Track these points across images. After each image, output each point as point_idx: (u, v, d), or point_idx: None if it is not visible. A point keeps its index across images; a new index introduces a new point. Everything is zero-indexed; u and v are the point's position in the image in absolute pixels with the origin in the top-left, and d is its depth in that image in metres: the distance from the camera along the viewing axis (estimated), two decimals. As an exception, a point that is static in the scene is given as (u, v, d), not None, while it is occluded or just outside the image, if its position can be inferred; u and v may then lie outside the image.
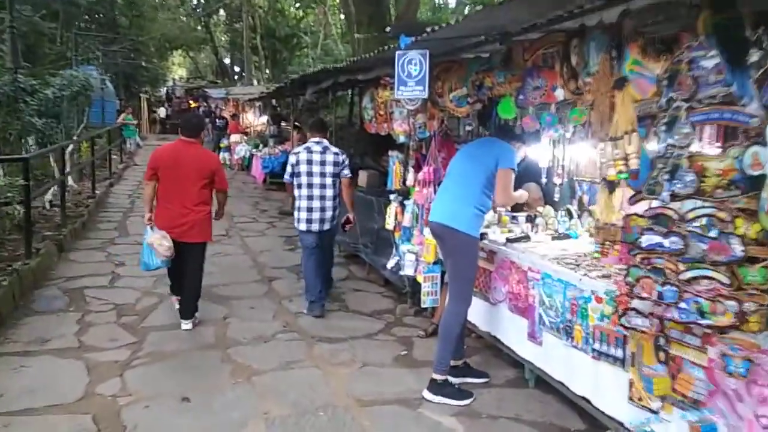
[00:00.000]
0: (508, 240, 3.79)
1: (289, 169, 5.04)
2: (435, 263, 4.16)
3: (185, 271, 4.61)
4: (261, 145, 15.39)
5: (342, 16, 27.52)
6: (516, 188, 3.68)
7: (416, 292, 4.89)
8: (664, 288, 2.28)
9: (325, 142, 5.06)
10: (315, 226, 4.95)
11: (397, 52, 3.37)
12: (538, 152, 4.12)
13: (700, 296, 2.17)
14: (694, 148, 2.27)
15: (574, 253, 3.49)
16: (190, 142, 4.53)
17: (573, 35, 2.66)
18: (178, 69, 45.95)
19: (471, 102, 3.58)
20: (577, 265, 3.23)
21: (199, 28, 34.23)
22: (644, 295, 2.36)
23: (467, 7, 20.79)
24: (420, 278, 4.26)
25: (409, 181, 4.50)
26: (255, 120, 19.80)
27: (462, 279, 3.53)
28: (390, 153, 4.78)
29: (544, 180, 4.08)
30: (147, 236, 4.50)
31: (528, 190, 4.10)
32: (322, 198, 4.93)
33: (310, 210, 4.93)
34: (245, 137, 17.74)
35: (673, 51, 2.22)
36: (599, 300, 2.87)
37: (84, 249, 7.22)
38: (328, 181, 4.93)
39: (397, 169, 4.75)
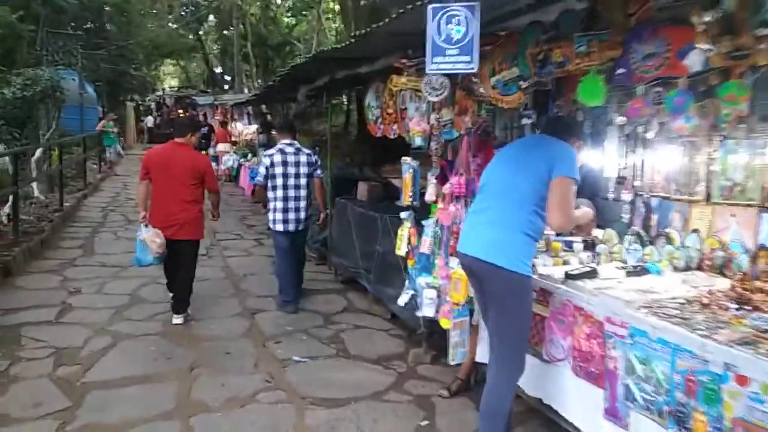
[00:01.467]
0: (569, 276, 2.80)
1: (262, 170, 5.12)
2: (465, 303, 3.17)
3: (177, 268, 4.76)
4: (250, 155, 14.39)
5: (335, 24, 26.73)
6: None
7: (433, 332, 3.91)
8: None
9: (297, 143, 5.25)
10: (291, 227, 5.10)
11: (431, 6, 2.35)
12: (596, 156, 3.16)
13: None
14: None
15: (670, 297, 2.51)
16: (181, 144, 4.69)
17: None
18: (169, 79, 44.99)
19: (525, 86, 2.61)
20: (685, 319, 2.25)
21: (191, 37, 33.35)
22: None
23: None
24: (446, 324, 3.26)
25: (430, 196, 3.50)
26: (244, 128, 18.84)
27: (512, 335, 2.55)
28: (403, 160, 3.79)
29: (610, 195, 3.11)
30: (140, 233, 4.59)
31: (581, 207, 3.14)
32: (297, 198, 5.10)
33: (285, 210, 5.06)
34: (233, 146, 16.72)
35: None
36: (743, 380, 1.89)
37: (36, 272, 6.16)
38: (302, 181, 5.12)
39: (408, 180, 3.77)
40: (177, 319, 4.73)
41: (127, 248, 7.33)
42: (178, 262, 4.73)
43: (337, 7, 24.27)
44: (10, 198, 7.23)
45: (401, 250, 3.90)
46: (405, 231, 3.85)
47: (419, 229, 3.78)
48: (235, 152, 15.42)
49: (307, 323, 4.89)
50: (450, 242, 3.25)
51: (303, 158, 5.13)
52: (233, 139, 17.86)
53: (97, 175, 14.18)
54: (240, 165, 14.57)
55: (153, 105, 32.90)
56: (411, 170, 3.77)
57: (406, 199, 3.82)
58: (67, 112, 15.13)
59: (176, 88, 40.74)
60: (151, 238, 4.50)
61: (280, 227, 5.08)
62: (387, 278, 4.83)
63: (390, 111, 4.26)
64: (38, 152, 9.15)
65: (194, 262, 4.89)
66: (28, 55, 18.88)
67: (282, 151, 5.08)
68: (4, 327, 4.47)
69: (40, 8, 18.15)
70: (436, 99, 3.07)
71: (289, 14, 31.62)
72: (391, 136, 4.50)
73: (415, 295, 3.81)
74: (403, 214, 3.88)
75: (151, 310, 5.05)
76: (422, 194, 3.70)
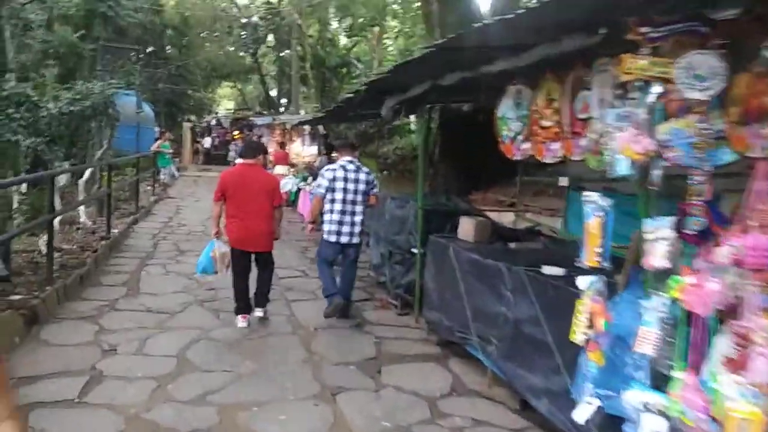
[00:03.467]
0: None
1: (324, 183, 5.33)
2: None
3: (259, 275, 5.25)
4: (310, 179, 13.34)
5: (398, 41, 25.86)
6: None
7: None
8: None
9: (357, 161, 5.50)
10: (344, 239, 5.33)
11: None
12: None
13: None
14: None
15: None
16: (252, 164, 5.15)
17: None
18: (225, 101, 45.44)
19: None
20: None
21: (248, 59, 33.31)
22: None
23: None
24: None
25: (660, 259, 2.11)
26: (303, 150, 17.97)
27: None
28: (586, 197, 2.44)
29: None
30: (211, 247, 5.17)
31: None
32: (353, 213, 5.33)
33: (341, 223, 5.30)
34: (291, 169, 15.79)
35: None
36: None
37: (68, 318, 5.10)
38: (360, 198, 5.34)
39: (596, 228, 2.42)
40: (258, 312, 5.24)
41: (176, 287, 6.27)
42: (258, 268, 5.25)
43: (397, 26, 23.49)
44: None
45: (577, 335, 2.53)
46: (585, 307, 2.49)
47: (612, 305, 2.43)
48: (294, 175, 14.44)
49: (409, 414, 3.56)
50: (713, 348, 1.87)
51: (362, 176, 5.37)
52: (291, 161, 17.00)
53: (151, 198, 13.45)
54: (299, 189, 13.56)
55: (210, 126, 32.86)
56: (601, 213, 2.42)
57: (590, 257, 2.45)
58: (123, 131, 14.60)
59: (232, 110, 40.99)
60: (221, 254, 5.13)
61: (333, 238, 5.32)
62: (522, 357, 3.47)
63: (547, 123, 2.96)
64: (87, 173, 8.33)
65: (272, 267, 5.36)
66: (89, 75, 18.78)
67: (344, 168, 5.34)
68: (10, 409, 3.34)
69: (101, 28, 17.99)
70: (701, 96, 1.75)
71: (346, 35, 31.15)
72: (547, 160, 3.17)
73: (601, 408, 2.44)
74: (583, 281, 2.52)
75: (202, 385, 3.84)
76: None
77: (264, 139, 19.68)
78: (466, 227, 4.83)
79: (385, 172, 11.42)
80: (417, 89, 5.07)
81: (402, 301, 5.93)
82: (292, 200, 14.16)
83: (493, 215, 6.09)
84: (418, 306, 5.47)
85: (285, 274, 7.30)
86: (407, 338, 5.05)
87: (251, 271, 5.21)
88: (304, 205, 12.83)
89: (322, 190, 5.33)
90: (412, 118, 15.35)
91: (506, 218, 5.99)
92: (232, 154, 21.90)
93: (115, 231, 8.69)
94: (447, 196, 6.82)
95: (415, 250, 5.61)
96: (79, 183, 8.01)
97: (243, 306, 5.11)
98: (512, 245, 4.69)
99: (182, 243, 8.82)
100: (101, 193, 9.18)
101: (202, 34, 29.07)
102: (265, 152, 5.92)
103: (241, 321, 5.06)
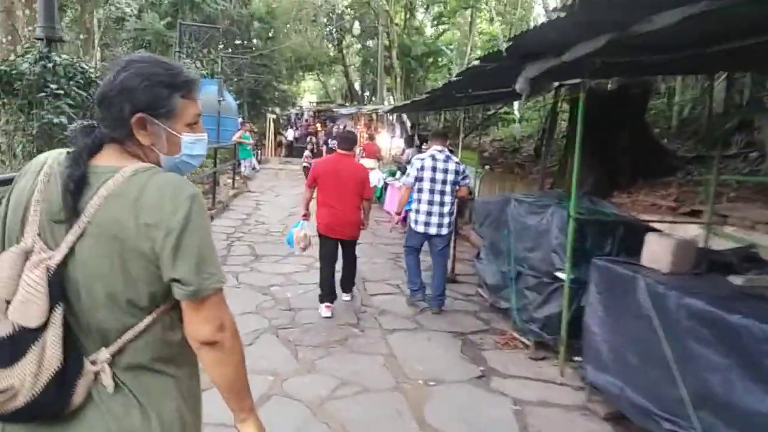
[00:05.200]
0: None
1: (413, 173, 5.27)
2: None
3: (344, 258, 5.30)
4: (399, 173, 11.99)
5: (491, 27, 23.97)
6: None
7: None
8: None
9: (447, 151, 5.41)
10: (432, 230, 5.26)
11: None
12: None
13: None
14: None
15: None
16: (346, 155, 5.19)
17: None
18: (308, 95, 45.26)
19: None
20: None
21: (332, 49, 32.55)
22: None
23: None
24: None
25: None
26: (390, 142, 16.68)
27: None
28: None
29: None
30: (297, 226, 5.27)
31: None
32: (442, 204, 5.23)
33: (429, 214, 5.24)
34: (378, 162, 14.53)
35: None
36: None
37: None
38: (448, 188, 5.23)
39: None
40: (346, 296, 5.40)
41: (248, 306, 5.10)
42: (344, 256, 5.27)
43: (491, 11, 21.60)
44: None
45: None
46: None
47: None
48: (380, 169, 13.15)
49: None
50: None
51: (451, 166, 5.26)
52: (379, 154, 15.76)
53: (230, 192, 12.62)
54: (386, 185, 12.25)
55: (293, 118, 32.47)
56: None
57: None
58: (204, 121, 13.89)
59: (315, 103, 40.59)
60: (301, 236, 5.15)
61: (421, 228, 5.27)
62: None
63: None
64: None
65: (355, 254, 5.38)
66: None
67: (433, 158, 5.26)
68: None
69: (188, 16, 17.57)
70: None
71: (434, 23, 29.53)
72: None
73: None
74: None
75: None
76: None
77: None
78: (659, 249, 3.22)
79: (487, 167, 9.81)
80: (579, 49, 3.50)
81: (536, 341, 4.41)
82: (378, 196, 12.90)
83: (661, 227, 4.41)
84: (565, 352, 3.94)
85: (376, 290, 5.97)
86: (558, 405, 3.53)
87: (337, 260, 5.19)
88: (392, 202, 11.51)
89: (411, 179, 5.28)
90: (516, 105, 13.62)
91: (687, 233, 4.29)
92: (314, 146, 21.08)
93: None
94: (590, 198, 5.18)
95: (561, 275, 4.08)
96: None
97: (327, 293, 5.04)
98: (736, 279, 3.05)
99: (259, 245, 7.73)
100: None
101: (287, 25, 28.52)
102: (356, 143, 5.84)
103: (324, 310, 5.00)
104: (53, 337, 1.14)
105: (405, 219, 9.91)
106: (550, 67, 3.91)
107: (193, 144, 1.35)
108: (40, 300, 1.12)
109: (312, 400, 3.42)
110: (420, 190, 5.24)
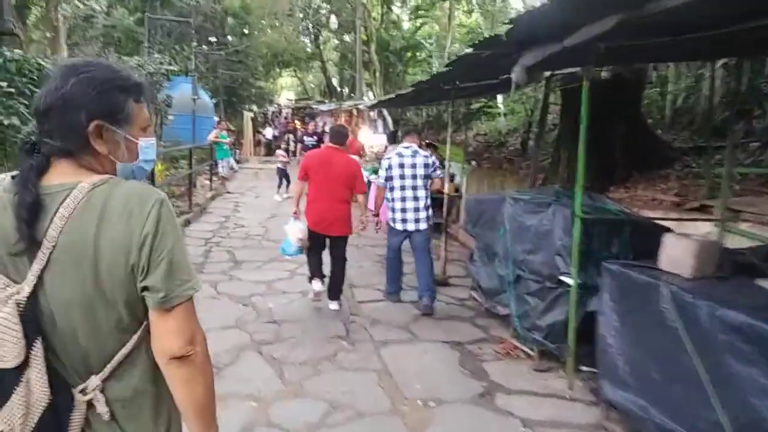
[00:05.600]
0: None
1: (383, 173, 5.34)
2: None
3: (332, 261, 5.13)
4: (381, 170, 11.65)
5: (470, 19, 23.73)
6: None
7: None
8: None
9: (415, 146, 5.35)
10: (410, 226, 5.22)
11: None
12: None
13: None
14: None
15: None
16: (337, 149, 5.12)
17: None
18: (285, 92, 44.60)
19: None
20: None
21: (309, 45, 31.99)
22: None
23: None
24: None
25: None
26: (371, 139, 16.32)
27: None
28: None
29: None
30: (288, 225, 5.13)
31: None
32: (415, 199, 5.20)
33: (404, 210, 5.23)
34: (360, 159, 14.16)
35: None
36: None
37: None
38: (419, 182, 5.21)
39: None
40: (333, 305, 5.11)
41: (228, 320, 4.72)
42: (331, 255, 5.13)
43: (470, 2, 21.32)
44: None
45: None
46: None
47: None
48: (363, 167, 12.77)
49: None
50: None
51: (419, 159, 5.23)
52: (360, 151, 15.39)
53: (207, 194, 12.15)
54: (369, 183, 11.91)
55: (270, 115, 31.85)
56: None
57: None
58: (178, 120, 13.43)
59: (293, 100, 39.98)
60: (294, 230, 5.05)
61: (399, 226, 5.25)
62: None
63: None
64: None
65: (345, 253, 5.18)
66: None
67: (399, 155, 5.27)
68: None
69: (158, 12, 16.94)
70: None
71: (412, 16, 29.18)
72: None
73: None
74: None
75: None
76: None
77: (328, 128, 18.19)
78: (679, 252, 2.93)
79: (473, 163, 9.52)
80: (584, 32, 3.19)
81: (540, 350, 4.12)
82: (361, 195, 12.57)
83: (669, 225, 4.13)
84: (573, 364, 3.65)
85: (364, 296, 5.63)
86: (572, 425, 3.23)
87: (325, 250, 5.17)
88: (377, 203, 11.20)
89: (382, 180, 5.34)
90: (500, 98, 13.33)
91: (698, 230, 4.02)
92: (291, 144, 20.60)
93: (162, 235, 7.28)
94: (589, 195, 4.89)
95: (567, 280, 3.78)
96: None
97: (316, 270, 5.13)
98: (765, 284, 2.77)
99: (239, 251, 7.33)
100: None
101: (263, 20, 27.91)
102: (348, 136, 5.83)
103: (316, 284, 5.10)
104: (37, 374, 1.08)
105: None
106: (549, 54, 3.60)
107: (148, 148, 1.28)
108: (15, 338, 1.06)
109: (300, 429, 3.07)
110: (392, 189, 5.25)
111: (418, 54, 27.49)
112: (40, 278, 1.09)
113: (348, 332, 4.62)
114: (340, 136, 5.25)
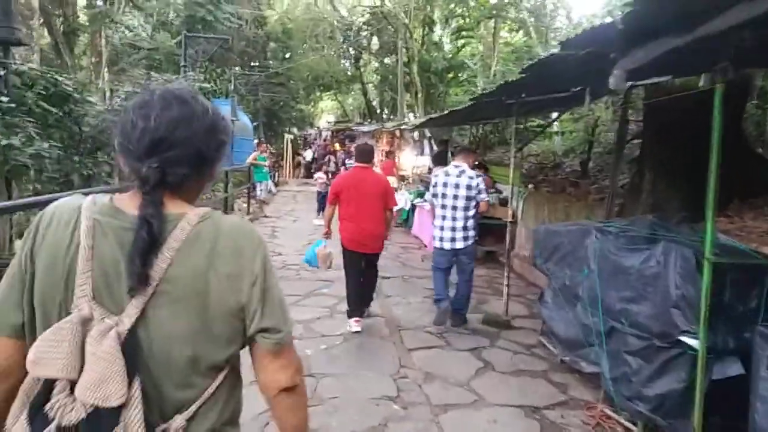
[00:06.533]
0: None
1: (431, 190, 5.37)
2: None
3: (364, 277, 5.16)
4: (427, 194, 10.88)
5: (516, 37, 22.99)
6: None
7: None
8: None
9: (463, 166, 5.25)
10: (447, 245, 5.16)
11: None
12: None
13: None
14: None
15: None
16: (365, 167, 5.16)
17: None
18: (325, 115, 44.74)
19: None
20: None
21: (349, 67, 31.85)
22: None
23: None
24: None
25: None
26: (414, 161, 15.63)
27: None
28: None
29: None
30: (318, 245, 5.29)
31: None
32: (454, 218, 5.14)
33: (441, 228, 5.20)
34: (402, 182, 13.46)
35: None
36: None
37: None
38: (461, 203, 5.13)
39: None
40: (355, 327, 4.96)
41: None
42: (366, 271, 5.15)
43: (519, 19, 20.54)
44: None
45: None
46: None
47: None
48: (407, 190, 12.06)
49: None
50: None
51: (464, 180, 5.14)
52: (401, 172, 14.71)
53: (244, 218, 11.64)
54: (413, 207, 11.16)
55: (310, 139, 31.71)
56: None
57: None
58: (217, 142, 13.01)
59: (333, 123, 39.88)
60: (324, 254, 5.23)
61: (437, 244, 5.24)
62: None
63: None
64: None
65: (376, 269, 5.31)
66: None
67: (446, 173, 5.25)
68: None
69: (200, 33, 16.82)
70: None
71: (454, 37, 28.63)
72: None
73: None
74: None
75: None
76: None
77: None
78: None
79: (531, 186, 8.65)
80: (729, 17, 2.38)
81: (645, 425, 3.23)
82: (404, 218, 11.78)
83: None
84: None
85: (416, 343, 4.83)
86: None
87: (362, 272, 5.12)
88: (421, 227, 10.40)
89: (430, 197, 5.45)
90: (554, 115, 12.42)
91: None
92: (332, 166, 20.12)
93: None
94: (691, 227, 3.99)
95: (689, 341, 2.91)
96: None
97: (355, 309, 5.04)
98: None
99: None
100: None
101: (304, 44, 27.90)
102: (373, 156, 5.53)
103: (354, 325, 4.97)
104: (136, 415, 0.99)
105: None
106: (668, 49, 2.80)
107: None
108: (119, 374, 0.98)
109: None
110: (440, 207, 5.27)
111: (460, 75, 26.85)
112: (142, 311, 1.04)
113: (398, 391, 3.83)
114: (366, 153, 5.23)
